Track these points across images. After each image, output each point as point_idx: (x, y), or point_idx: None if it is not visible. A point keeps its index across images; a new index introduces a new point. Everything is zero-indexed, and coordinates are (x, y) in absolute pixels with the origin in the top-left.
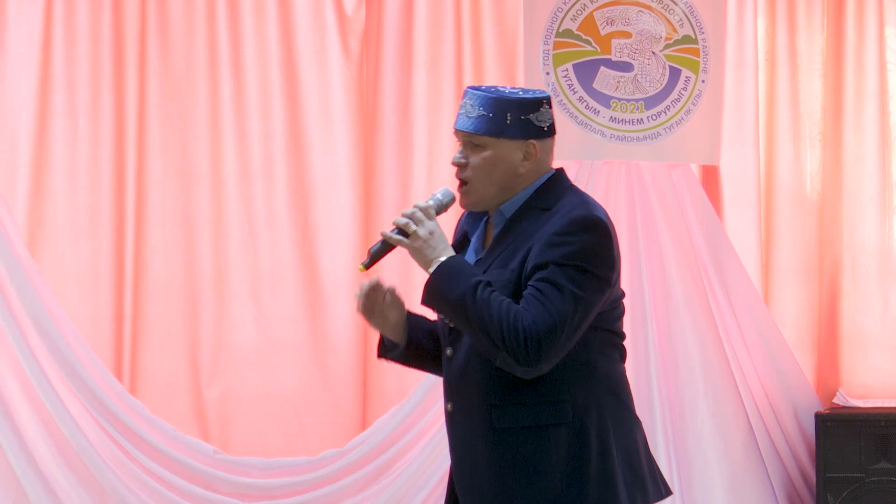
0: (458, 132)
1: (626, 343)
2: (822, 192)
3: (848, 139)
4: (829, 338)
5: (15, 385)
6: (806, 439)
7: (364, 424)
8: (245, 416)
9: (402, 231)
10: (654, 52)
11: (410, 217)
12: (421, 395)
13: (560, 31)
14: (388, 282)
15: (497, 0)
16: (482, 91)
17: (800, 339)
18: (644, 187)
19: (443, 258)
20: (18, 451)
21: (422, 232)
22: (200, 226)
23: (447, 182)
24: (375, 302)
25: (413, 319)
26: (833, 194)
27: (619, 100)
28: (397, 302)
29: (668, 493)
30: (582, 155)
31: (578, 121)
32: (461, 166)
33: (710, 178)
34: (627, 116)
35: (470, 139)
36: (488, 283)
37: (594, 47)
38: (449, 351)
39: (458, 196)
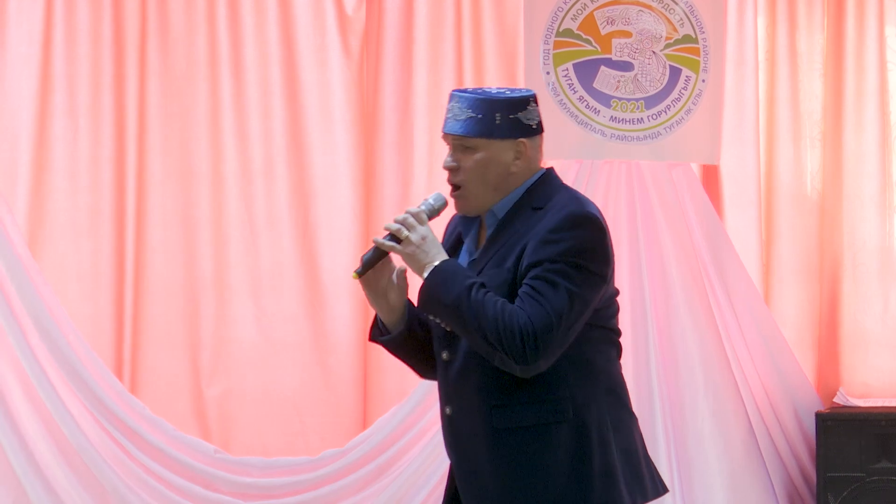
0: (447, 136)
1: (626, 342)
2: (822, 192)
3: (848, 139)
4: (830, 337)
5: (15, 384)
6: (806, 438)
7: (364, 424)
8: (245, 415)
9: (394, 237)
10: (654, 52)
11: (402, 223)
12: (421, 395)
13: (560, 30)
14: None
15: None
16: (469, 93)
17: (800, 339)
18: (644, 187)
19: (436, 263)
20: (19, 450)
21: (414, 237)
22: (201, 225)
23: (447, 181)
24: (381, 276)
25: (413, 310)
26: (833, 194)
27: (620, 99)
28: (401, 285)
29: (664, 490)
30: (582, 154)
31: (579, 120)
32: (453, 170)
33: (711, 178)
34: (628, 116)
35: (461, 142)
36: (482, 285)
37: (594, 47)
38: (445, 354)
39: (451, 201)
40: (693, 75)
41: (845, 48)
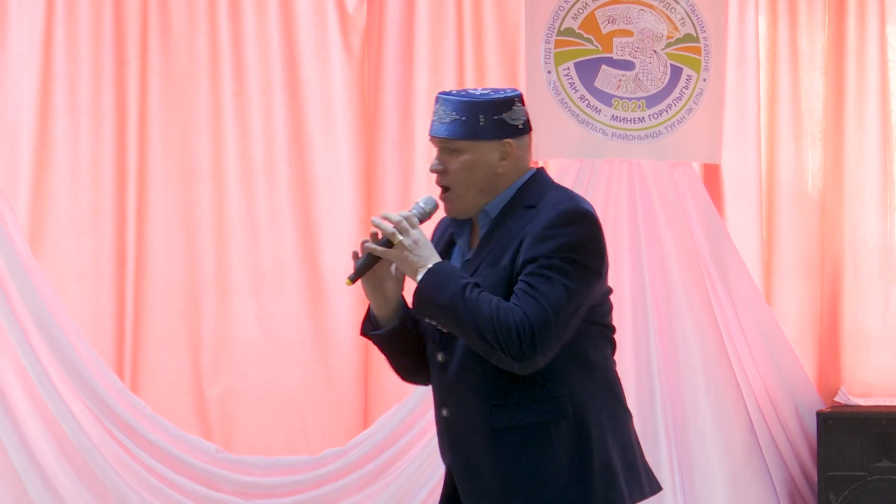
0: (433, 139)
1: (627, 341)
2: (823, 191)
3: (849, 137)
4: (831, 336)
5: (16, 383)
6: (807, 437)
7: (366, 423)
8: (247, 414)
9: (386, 241)
10: (655, 51)
11: (395, 226)
12: (423, 394)
13: (561, 29)
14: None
15: None
16: (453, 95)
17: (801, 337)
18: (646, 186)
19: (430, 265)
20: (20, 449)
21: (407, 241)
22: (202, 223)
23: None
24: (379, 265)
25: (406, 308)
26: (834, 192)
27: (621, 98)
28: (399, 276)
29: (659, 488)
30: (583, 153)
31: (580, 119)
32: (440, 173)
33: (712, 177)
34: (629, 115)
35: (446, 145)
36: (476, 284)
37: (595, 46)
38: (441, 356)
39: (440, 203)
40: (694, 74)
41: (846, 47)
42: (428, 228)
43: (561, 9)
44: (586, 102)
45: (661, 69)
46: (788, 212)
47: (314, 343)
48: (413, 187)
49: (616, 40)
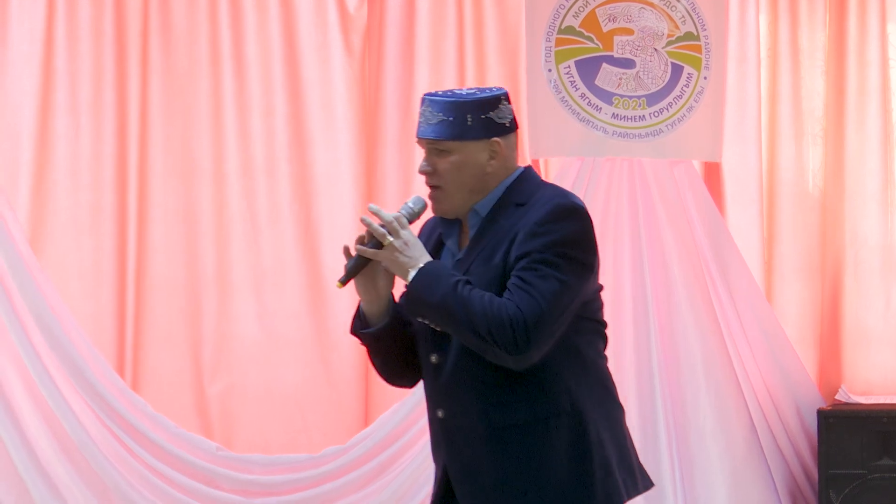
0: (420, 140)
1: (628, 340)
2: (824, 189)
3: (850, 136)
4: (832, 334)
5: (17, 381)
6: (808, 436)
7: (366, 421)
8: (247, 412)
9: (377, 243)
10: (656, 49)
11: (386, 227)
12: (423, 392)
13: (562, 27)
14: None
15: None
16: (439, 96)
17: (802, 336)
18: (646, 184)
19: (421, 265)
20: (21, 447)
21: (397, 243)
22: (203, 222)
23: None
24: (372, 263)
25: (397, 307)
26: (835, 191)
27: (622, 97)
28: (391, 275)
29: (651, 484)
30: (584, 152)
31: (581, 118)
32: (428, 174)
33: (713, 175)
34: (630, 113)
35: (434, 146)
36: (468, 282)
37: (596, 44)
38: (434, 357)
39: (429, 203)
40: (695, 72)
41: (847, 45)
42: (413, 230)
43: (562, 7)
44: (587, 101)
45: (662, 67)
46: (789, 210)
47: (315, 341)
48: (413, 186)
49: (617, 38)
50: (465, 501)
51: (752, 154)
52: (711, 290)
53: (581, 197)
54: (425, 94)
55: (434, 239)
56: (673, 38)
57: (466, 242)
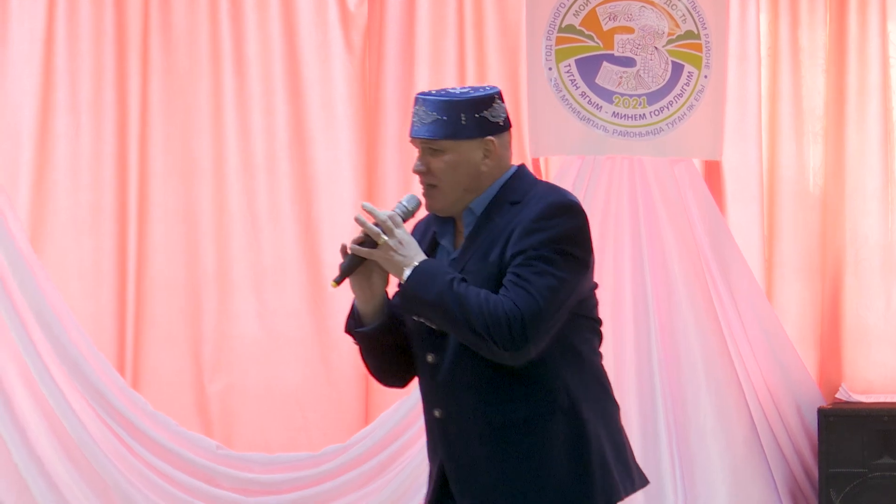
0: (414, 140)
1: (628, 338)
2: (824, 188)
3: (850, 135)
4: (832, 333)
5: (17, 380)
6: (808, 434)
7: (367, 419)
8: (248, 411)
9: (371, 242)
10: (656, 48)
11: (380, 226)
12: None
13: (562, 26)
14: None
15: None
16: (433, 96)
17: (802, 335)
18: (647, 183)
19: (416, 263)
20: (21, 445)
21: (392, 241)
22: (203, 221)
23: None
24: (366, 262)
25: (391, 307)
26: (836, 190)
27: (622, 95)
28: (386, 274)
29: (646, 482)
30: (584, 150)
31: (581, 116)
32: (423, 174)
33: (713, 174)
34: (630, 112)
35: (428, 145)
36: (463, 279)
37: (597, 43)
38: (431, 357)
39: (424, 201)
40: (695, 71)
41: (847, 44)
42: (407, 228)
43: (562, 6)
44: (587, 99)
45: (663, 66)
46: (790, 209)
47: (315, 340)
48: (413, 184)
49: (617, 37)
50: (463, 500)
51: (753, 153)
52: (712, 289)
53: (581, 196)
54: (419, 94)
55: (428, 238)
56: (673, 37)
57: (461, 241)
